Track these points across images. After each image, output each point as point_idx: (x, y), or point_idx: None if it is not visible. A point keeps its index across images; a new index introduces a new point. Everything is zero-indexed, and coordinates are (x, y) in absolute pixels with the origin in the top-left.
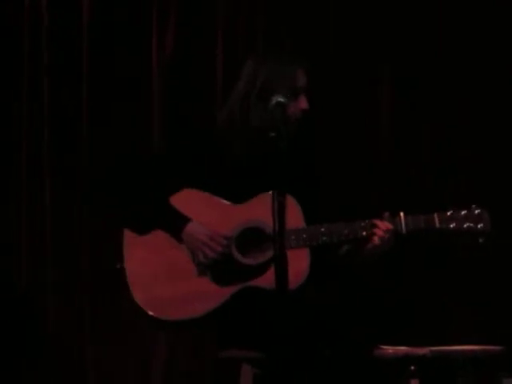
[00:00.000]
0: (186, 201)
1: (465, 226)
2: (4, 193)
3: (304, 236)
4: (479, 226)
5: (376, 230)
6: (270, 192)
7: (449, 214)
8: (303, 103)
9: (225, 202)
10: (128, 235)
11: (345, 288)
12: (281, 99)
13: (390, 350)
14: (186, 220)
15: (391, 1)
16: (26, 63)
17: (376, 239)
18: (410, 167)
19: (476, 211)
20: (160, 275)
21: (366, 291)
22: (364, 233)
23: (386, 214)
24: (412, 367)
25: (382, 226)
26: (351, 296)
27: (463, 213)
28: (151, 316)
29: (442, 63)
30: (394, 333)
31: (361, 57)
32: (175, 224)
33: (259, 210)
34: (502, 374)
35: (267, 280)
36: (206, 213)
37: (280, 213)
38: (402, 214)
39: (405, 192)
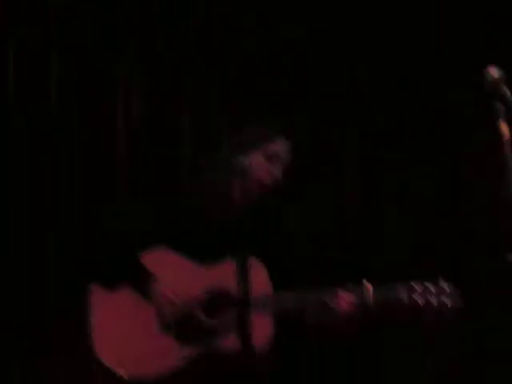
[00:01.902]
0: (156, 260)
1: (435, 301)
2: None
3: (269, 302)
4: (448, 302)
5: (339, 302)
6: (235, 256)
7: (417, 287)
8: (275, 171)
9: (194, 263)
10: (94, 293)
11: (310, 353)
12: (241, 159)
13: None
14: (151, 277)
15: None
16: None
17: (339, 312)
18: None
19: (444, 286)
20: (123, 330)
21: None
22: (329, 302)
23: (349, 285)
24: None
25: (345, 297)
26: (316, 361)
27: (432, 288)
28: (112, 373)
29: None
30: None
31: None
32: (145, 278)
33: (227, 274)
34: None
35: (230, 343)
36: (175, 273)
37: (244, 278)
38: (367, 284)
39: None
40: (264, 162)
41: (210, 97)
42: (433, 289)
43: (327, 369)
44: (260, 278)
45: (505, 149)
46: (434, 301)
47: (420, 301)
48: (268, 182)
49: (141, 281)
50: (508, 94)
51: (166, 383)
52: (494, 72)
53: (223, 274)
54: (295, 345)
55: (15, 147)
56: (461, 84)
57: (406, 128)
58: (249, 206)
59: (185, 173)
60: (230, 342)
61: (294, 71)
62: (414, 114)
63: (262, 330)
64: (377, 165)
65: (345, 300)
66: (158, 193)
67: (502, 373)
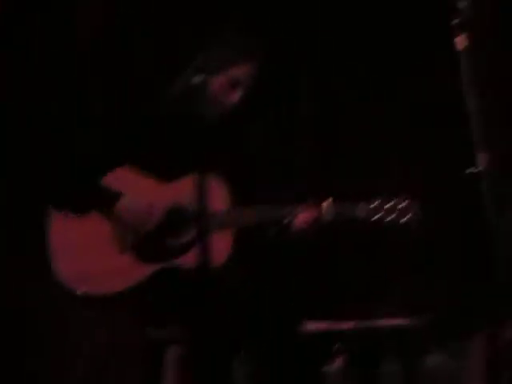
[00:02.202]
0: (119, 179)
1: (392, 216)
2: None
3: (227, 218)
4: (407, 217)
5: (297, 219)
6: (195, 172)
7: (375, 203)
8: (234, 96)
9: (154, 180)
10: (53, 214)
11: (270, 266)
12: (199, 79)
13: (313, 325)
14: (118, 195)
15: None
16: None
17: (296, 227)
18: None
19: (404, 201)
20: (81, 252)
21: (291, 267)
22: (288, 218)
23: (310, 202)
24: (337, 345)
25: (302, 217)
26: (276, 273)
27: (391, 203)
28: (72, 291)
29: None
30: (320, 308)
31: None
32: (108, 199)
33: (185, 190)
34: (427, 349)
35: (190, 260)
36: (137, 191)
37: (202, 193)
38: (327, 201)
39: (335, 179)
40: (226, 85)
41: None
42: (391, 204)
43: (287, 281)
44: (219, 196)
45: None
46: (392, 215)
47: (380, 217)
48: (228, 104)
49: (103, 201)
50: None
51: (120, 301)
52: None
53: (184, 191)
54: (255, 259)
55: None
56: None
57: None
58: (210, 126)
59: (145, 91)
60: (189, 258)
61: None
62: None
63: (221, 245)
64: (332, 88)
65: (304, 216)
66: (118, 112)
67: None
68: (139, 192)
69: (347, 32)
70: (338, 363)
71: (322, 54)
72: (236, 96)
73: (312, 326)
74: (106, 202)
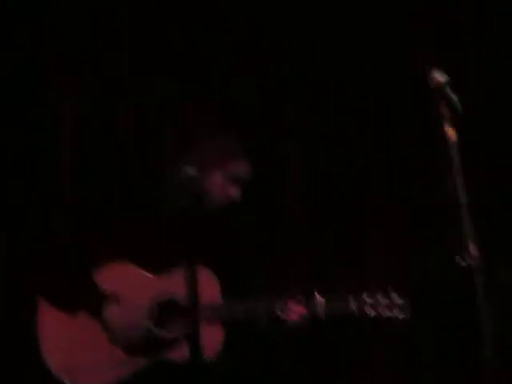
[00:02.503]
0: (112, 273)
1: (385, 314)
2: None
3: (219, 311)
4: (400, 317)
5: (289, 314)
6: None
7: (367, 300)
8: (233, 191)
9: (145, 273)
10: (42, 303)
11: (261, 357)
12: (190, 172)
13: None
14: (102, 303)
15: None
16: None
17: (289, 322)
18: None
19: (394, 298)
20: (74, 341)
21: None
22: (279, 313)
23: (299, 297)
24: None
25: (296, 309)
26: (267, 364)
27: (385, 301)
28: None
29: None
30: None
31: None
32: (95, 308)
33: (176, 283)
34: None
35: (181, 353)
36: (128, 284)
37: (193, 286)
38: (317, 296)
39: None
40: (223, 182)
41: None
42: (383, 301)
43: (278, 371)
44: (210, 288)
45: (451, 152)
46: (383, 313)
47: (370, 313)
48: (225, 200)
49: (92, 303)
50: (453, 97)
51: None
52: (437, 76)
53: (174, 283)
54: (246, 352)
55: None
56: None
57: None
58: (204, 218)
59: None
60: (179, 351)
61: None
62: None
63: (212, 338)
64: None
65: (295, 312)
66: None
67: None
68: (128, 285)
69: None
70: None
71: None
72: (236, 191)
73: None
74: (94, 304)
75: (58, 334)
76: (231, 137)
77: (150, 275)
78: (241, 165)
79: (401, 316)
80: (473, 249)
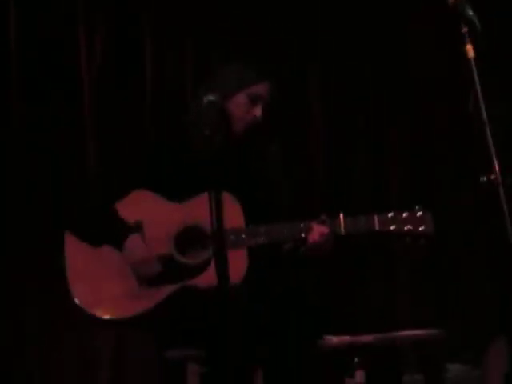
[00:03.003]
0: (134, 202)
1: (405, 228)
2: None
3: (243, 236)
4: (420, 229)
5: (312, 234)
6: (209, 191)
7: (389, 215)
8: (257, 111)
9: (168, 201)
10: (69, 236)
11: (287, 282)
12: (211, 98)
13: (334, 339)
14: (126, 234)
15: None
16: None
17: (311, 242)
18: (351, 168)
19: (418, 213)
20: (97, 272)
21: (308, 282)
22: (302, 235)
23: (324, 217)
24: (356, 359)
25: (318, 229)
26: (293, 289)
27: (405, 215)
28: (89, 314)
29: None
30: (338, 322)
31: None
32: (116, 238)
33: (200, 209)
34: (445, 358)
35: (205, 279)
36: (151, 213)
37: (218, 211)
38: (341, 215)
39: (346, 192)
40: (248, 103)
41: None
42: (408, 217)
43: (302, 298)
44: (234, 213)
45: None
46: (407, 229)
47: (394, 229)
48: (250, 122)
49: (115, 236)
50: (471, 14)
51: (137, 323)
52: None
53: (196, 210)
54: (272, 276)
55: None
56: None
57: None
58: (230, 145)
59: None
60: (203, 277)
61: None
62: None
63: (237, 263)
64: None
65: (318, 232)
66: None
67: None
68: (153, 214)
69: None
70: (359, 377)
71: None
72: (258, 111)
73: (332, 340)
74: (117, 237)
75: (84, 266)
76: (252, 59)
77: (172, 203)
78: (263, 85)
79: (421, 228)
80: (496, 165)
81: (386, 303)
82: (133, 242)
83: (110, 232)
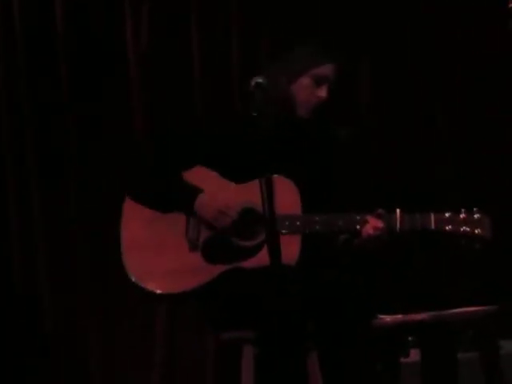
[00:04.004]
0: (196, 177)
1: (461, 229)
2: None
3: (298, 223)
4: (477, 232)
5: (366, 227)
6: (269, 174)
7: (446, 215)
8: (322, 92)
9: (228, 181)
10: (127, 208)
11: (341, 265)
12: (259, 80)
13: (388, 318)
14: (200, 190)
15: None
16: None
17: (364, 235)
18: (412, 163)
19: (476, 215)
20: (153, 245)
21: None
22: (357, 227)
23: (381, 211)
24: (410, 338)
25: (373, 223)
26: (347, 268)
27: (462, 216)
28: (136, 284)
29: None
30: (392, 301)
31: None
32: (190, 194)
33: (257, 193)
34: (500, 335)
35: (258, 262)
36: (212, 189)
37: (269, 196)
38: (398, 211)
39: (404, 188)
40: (312, 85)
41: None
42: (465, 218)
43: (360, 275)
44: (291, 199)
45: None
46: (464, 230)
47: (449, 229)
48: (315, 104)
49: (184, 196)
50: None
51: (186, 299)
52: None
53: (254, 193)
54: (323, 263)
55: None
56: None
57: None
58: (294, 127)
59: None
60: (259, 260)
61: None
62: None
63: (289, 249)
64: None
65: (373, 226)
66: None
67: None
68: (214, 191)
69: None
70: (413, 355)
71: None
72: (323, 92)
73: (386, 319)
74: (186, 196)
75: (140, 237)
76: (316, 41)
77: (231, 183)
78: (327, 66)
79: (478, 231)
80: None
81: (438, 280)
82: (204, 199)
83: (179, 194)
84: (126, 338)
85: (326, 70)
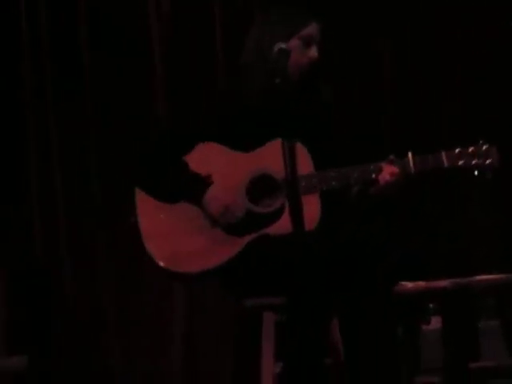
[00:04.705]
0: (202, 155)
1: (473, 162)
2: (15, 174)
3: (314, 181)
4: (487, 162)
5: (382, 174)
6: (278, 139)
7: (456, 151)
8: (312, 52)
9: (235, 151)
10: (140, 199)
11: (359, 228)
12: (283, 46)
13: (409, 285)
14: (204, 187)
15: None
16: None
17: (382, 182)
18: (416, 107)
19: (484, 147)
20: (173, 229)
21: (382, 228)
22: (373, 175)
23: (392, 157)
24: (432, 305)
25: (388, 169)
26: (367, 235)
27: (471, 149)
28: (167, 269)
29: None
30: (414, 267)
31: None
32: (194, 192)
33: (268, 158)
34: None
35: (281, 227)
36: (220, 165)
37: (291, 157)
38: (410, 154)
39: (412, 132)
40: (301, 46)
41: None
42: (474, 151)
43: (381, 240)
44: (302, 159)
45: None
46: (476, 162)
47: (462, 164)
48: (308, 64)
49: (193, 191)
50: None
51: (216, 276)
52: None
53: (265, 159)
54: (346, 220)
55: None
56: None
57: None
58: (289, 91)
59: (220, 64)
60: (279, 226)
61: None
62: None
63: (309, 210)
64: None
65: (388, 172)
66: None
67: None
68: (223, 165)
69: None
70: (435, 323)
71: None
72: (313, 52)
73: (408, 285)
74: (195, 191)
75: (159, 223)
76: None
77: (239, 152)
78: (312, 26)
79: (488, 161)
80: None
81: (460, 247)
82: (212, 193)
83: (187, 188)
84: (145, 311)
85: (313, 29)
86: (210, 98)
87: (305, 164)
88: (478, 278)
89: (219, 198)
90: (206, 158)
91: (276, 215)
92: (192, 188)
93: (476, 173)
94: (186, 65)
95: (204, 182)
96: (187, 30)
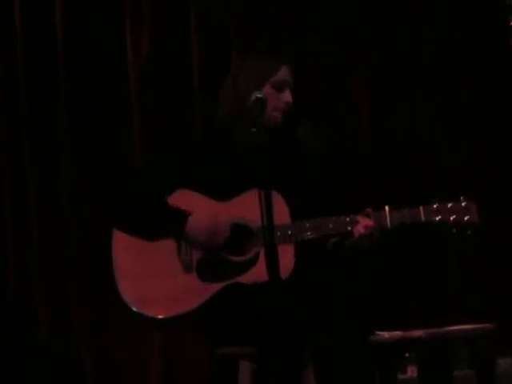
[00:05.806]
0: (180, 201)
1: (451, 218)
2: None
3: (289, 232)
4: (466, 219)
5: (357, 227)
6: (255, 189)
7: (434, 206)
8: (286, 96)
9: (212, 200)
10: (116, 239)
11: (336, 278)
12: (259, 95)
13: (385, 334)
14: (187, 214)
15: None
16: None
17: (356, 235)
18: (393, 160)
19: (463, 203)
20: (146, 273)
21: (357, 278)
22: (348, 228)
23: (369, 210)
24: (408, 354)
25: (363, 222)
26: (343, 285)
27: (450, 205)
28: (140, 315)
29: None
30: (389, 318)
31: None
32: (179, 220)
33: (244, 207)
34: (497, 353)
35: (255, 275)
36: (199, 210)
37: (267, 206)
38: (386, 208)
39: (390, 185)
40: (275, 92)
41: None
42: (453, 207)
43: (355, 290)
44: (279, 210)
45: None
46: (454, 218)
47: (439, 219)
48: (284, 109)
49: (174, 222)
50: None
51: (187, 321)
52: None
53: (241, 208)
54: (320, 271)
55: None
56: None
57: None
58: (266, 140)
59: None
60: (253, 274)
61: None
62: None
63: (283, 260)
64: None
65: (363, 225)
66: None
67: None
68: (201, 211)
69: None
70: (411, 372)
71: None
72: (287, 96)
73: (384, 335)
74: (176, 222)
75: (133, 264)
76: (262, 47)
77: (216, 201)
78: (282, 70)
79: (467, 218)
80: None
81: (435, 297)
82: (193, 222)
83: (168, 220)
84: (122, 349)
85: (284, 73)
86: (187, 144)
87: (281, 213)
88: (454, 328)
89: (202, 224)
90: (186, 202)
91: (250, 263)
92: (173, 220)
93: (454, 230)
94: (163, 102)
95: (185, 214)
96: (163, 69)
